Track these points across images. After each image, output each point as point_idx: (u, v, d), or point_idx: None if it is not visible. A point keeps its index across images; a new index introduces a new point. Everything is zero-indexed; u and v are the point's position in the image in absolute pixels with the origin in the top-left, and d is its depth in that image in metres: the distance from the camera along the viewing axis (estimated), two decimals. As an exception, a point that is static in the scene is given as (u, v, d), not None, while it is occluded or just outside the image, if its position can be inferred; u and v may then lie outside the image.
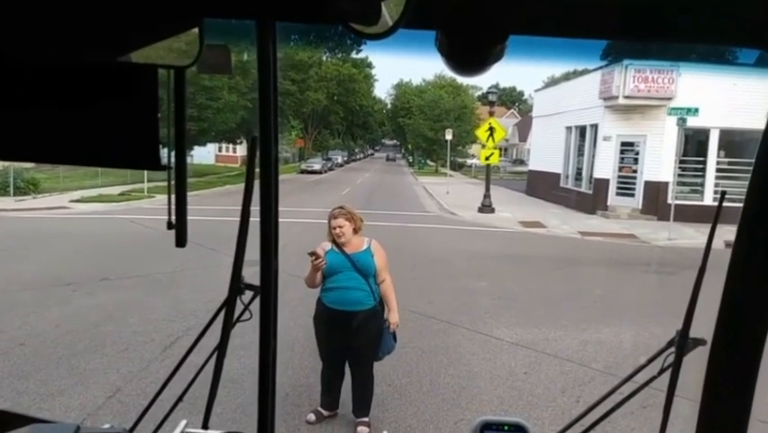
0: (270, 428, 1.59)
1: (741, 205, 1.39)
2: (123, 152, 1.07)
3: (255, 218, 1.56)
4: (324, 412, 4.79)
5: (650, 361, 1.55)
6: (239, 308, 1.68)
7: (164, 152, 1.11)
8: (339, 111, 65.24)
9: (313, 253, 4.36)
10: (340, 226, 4.46)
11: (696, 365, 1.53)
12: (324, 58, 61.48)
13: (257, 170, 1.51)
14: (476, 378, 5.84)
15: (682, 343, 1.44)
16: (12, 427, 1.33)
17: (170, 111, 1.08)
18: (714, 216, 1.42)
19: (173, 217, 1.11)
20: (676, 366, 1.46)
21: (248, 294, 1.66)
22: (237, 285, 1.62)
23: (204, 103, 26.32)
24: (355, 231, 4.55)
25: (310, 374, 5.56)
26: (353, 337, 4.51)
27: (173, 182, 1.11)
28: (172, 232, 1.17)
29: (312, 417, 4.76)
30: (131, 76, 1.04)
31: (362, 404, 4.71)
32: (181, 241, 1.12)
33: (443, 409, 5.13)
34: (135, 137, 1.05)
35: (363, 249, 4.54)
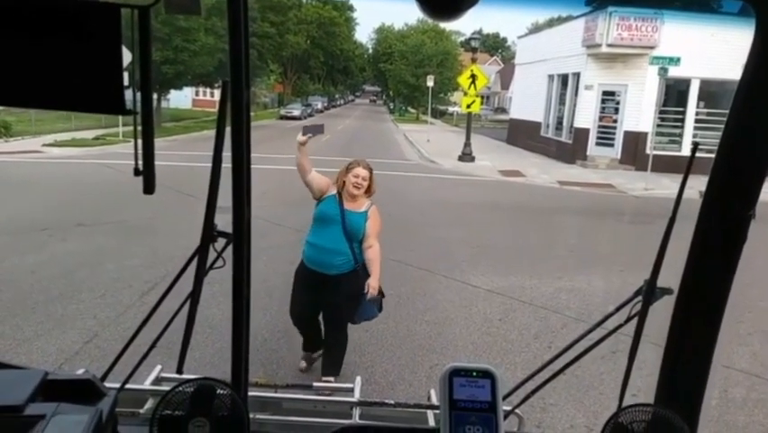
0: (244, 374, 1.62)
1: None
2: (86, 95, 1.03)
3: (228, 164, 1.54)
4: (314, 355, 4.74)
5: (618, 309, 1.58)
6: (213, 255, 1.68)
7: (137, 97, 1.08)
8: (319, 55, 64.01)
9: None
10: (363, 178, 4.24)
11: (664, 312, 1.57)
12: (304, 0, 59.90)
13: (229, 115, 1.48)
14: (452, 324, 5.95)
15: (649, 292, 1.47)
16: (-19, 373, 1.32)
17: (135, 53, 1.04)
18: (686, 168, 1.42)
19: (140, 163, 1.08)
20: (642, 314, 1.49)
21: (221, 241, 1.65)
22: (210, 233, 1.61)
23: (180, 45, 25.59)
24: (368, 192, 4.34)
25: (288, 320, 5.61)
26: (327, 296, 4.35)
27: (139, 127, 1.08)
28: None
29: (303, 364, 4.74)
30: (92, 15, 0.99)
31: (331, 364, 4.52)
32: (149, 187, 1.09)
33: (419, 354, 5.24)
34: (98, 80, 1.01)
35: (361, 210, 4.30)
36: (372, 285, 4.36)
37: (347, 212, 4.24)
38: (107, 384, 1.47)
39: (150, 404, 1.75)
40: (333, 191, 4.31)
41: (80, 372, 1.61)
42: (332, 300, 4.37)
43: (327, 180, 4.34)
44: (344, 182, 4.28)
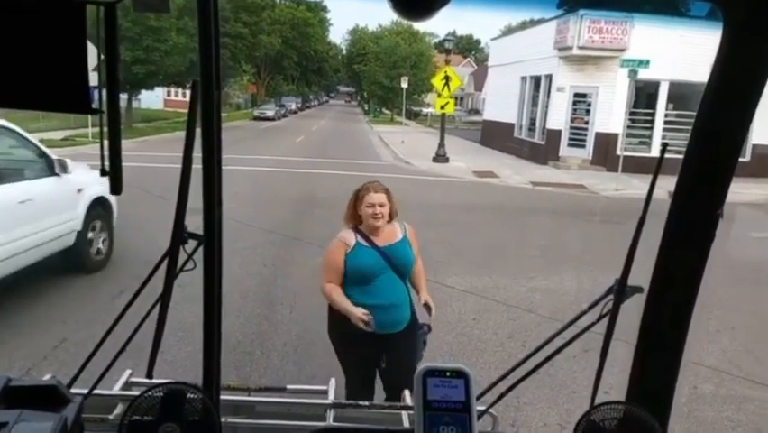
0: (216, 377, 1.59)
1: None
2: (51, 93, 1.01)
3: (198, 165, 1.52)
4: None
5: (590, 307, 1.59)
6: (183, 257, 1.65)
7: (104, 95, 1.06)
8: (293, 56, 63.75)
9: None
10: (380, 205, 3.31)
11: (635, 311, 1.58)
12: (278, 0, 59.62)
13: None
14: (427, 324, 5.95)
15: (620, 290, 1.48)
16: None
17: (101, 51, 1.01)
18: (655, 168, 1.44)
19: (107, 164, 1.06)
20: (614, 313, 1.50)
21: (192, 243, 1.62)
22: (180, 234, 1.58)
23: (151, 45, 25.25)
24: (391, 215, 3.42)
25: (262, 322, 5.58)
26: (392, 357, 3.57)
27: (106, 127, 1.06)
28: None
29: None
30: (56, 11, 0.97)
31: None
32: (116, 188, 1.07)
33: (394, 354, 5.22)
34: (63, 78, 0.99)
35: (399, 239, 3.44)
36: (426, 298, 3.65)
37: (387, 249, 3.38)
38: (75, 390, 1.44)
39: (119, 410, 1.72)
40: (352, 240, 3.37)
41: (47, 377, 1.57)
42: (396, 360, 3.55)
43: (334, 252, 3.40)
44: (360, 217, 3.39)
